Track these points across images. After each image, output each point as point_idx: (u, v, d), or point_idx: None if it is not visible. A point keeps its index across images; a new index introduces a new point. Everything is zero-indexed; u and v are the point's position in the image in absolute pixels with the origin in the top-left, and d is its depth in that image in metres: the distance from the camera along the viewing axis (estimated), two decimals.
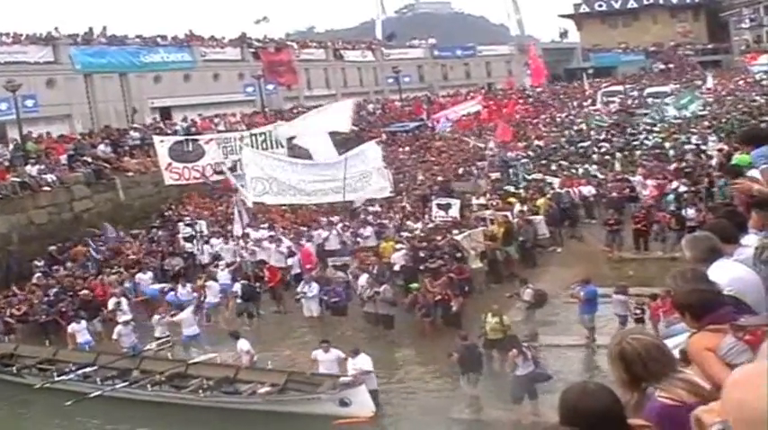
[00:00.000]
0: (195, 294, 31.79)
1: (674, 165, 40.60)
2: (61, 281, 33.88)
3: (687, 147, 45.55)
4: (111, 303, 30.69)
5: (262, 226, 38.20)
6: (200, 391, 23.43)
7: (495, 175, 44.99)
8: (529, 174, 43.87)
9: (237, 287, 32.19)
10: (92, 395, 24.33)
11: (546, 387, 20.50)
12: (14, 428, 24.83)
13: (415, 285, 28.64)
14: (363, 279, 29.71)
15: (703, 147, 44.50)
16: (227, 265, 34.15)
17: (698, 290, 5.73)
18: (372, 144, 38.86)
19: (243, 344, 24.82)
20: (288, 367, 24.23)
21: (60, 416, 24.36)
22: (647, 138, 51.47)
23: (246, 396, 23.00)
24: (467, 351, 22.21)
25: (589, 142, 52.85)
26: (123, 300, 30.66)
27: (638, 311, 24.15)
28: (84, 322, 29.20)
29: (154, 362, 26.03)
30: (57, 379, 26.01)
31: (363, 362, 22.13)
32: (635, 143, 50.74)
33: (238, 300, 31.82)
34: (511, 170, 45.40)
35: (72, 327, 29.01)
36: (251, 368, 24.19)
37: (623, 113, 63.94)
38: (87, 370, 26.08)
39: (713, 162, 38.62)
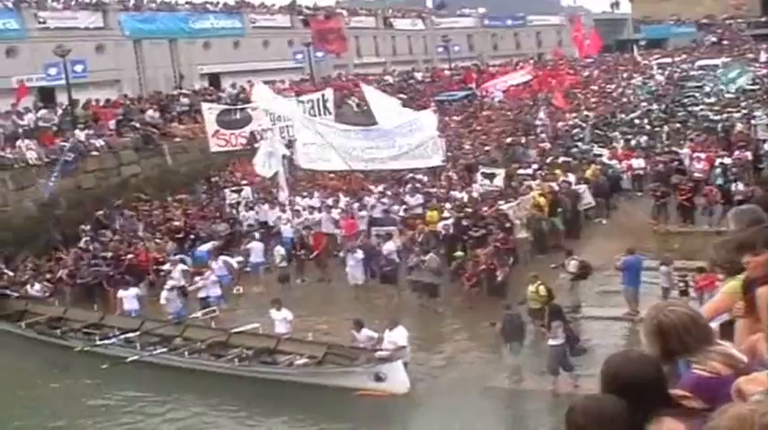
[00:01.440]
0: (233, 264, 32.14)
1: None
2: (107, 245, 34.11)
3: (737, 121, 45.21)
4: (167, 267, 30.99)
5: (313, 193, 38.15)
6: (236, 360, 23.57)
7: (544, 145, 44.88)
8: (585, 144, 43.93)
9: (281, 250, 32.39)
10: (129, 359, 24.49)
11: (585, 360, 20.49)
12: (54, 390, 24.97)
13: (459, 254, 28.62)
14: (390, 245, 29.80)
15: (752, 122, 44.12)
16: (288, 221, 34.48)
17: None
18: (429, 113, 38.74)
19: (284, 313, 24.76)
20: (328, 339, 24.21)
21: (100, 378, 24.59)
22: (702, 110, 51.02)
23: (283, 367, 23.07)
24: (509, 320, 22.19)
25: (639, 112, 52.58)
26: (180, 267, 30.61)
27: (681, 284, 24.01)
28: (132, 289, 29.25)
29: (197, 331, 26.20)
30: (98, 343, 26.28)
31: (399, 336, 22.04)
32: (683, 115, 50.43)
33: (283, 264, 32.04)
34: (562, 141, 45.50)
35: (120, 293, 29.12)
36: (292, 339, 24.19)
37: (672, 86, 63.41)
38: (129, 335, 26.25)
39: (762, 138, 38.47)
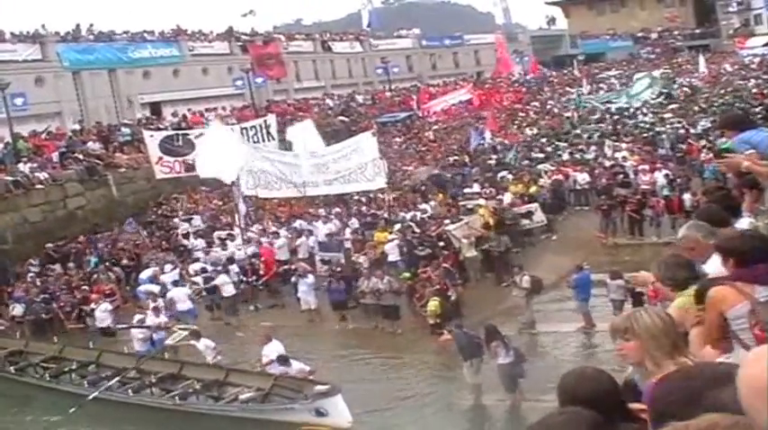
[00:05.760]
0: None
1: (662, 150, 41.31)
2: (58, 278, 33.95)
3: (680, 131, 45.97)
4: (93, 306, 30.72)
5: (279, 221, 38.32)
6: (177, 398, 23.26)
7: (488, 163, 45.13)
8: (522, 161, 44.15)
9: (200, 280, 32.44)
10: (89, 397, 24.06)
11: (544, 374, 20.69)
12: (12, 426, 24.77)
13: (406, 274, 28.71)
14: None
15: (693, 131, 44.91)
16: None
17: (750, 237, 5.93)
18: (368, 135, 38.79)
19: (205, 342, 24.71)
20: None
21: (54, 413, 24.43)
22: (640, 123, 51.64)
23: (225, 403, 22.68)
24: (464, 338, 22.31)
25: (580, 128, 53.16)
26: (103, 306, 30.28)
27: (630, 299, 24.37)
28: (145, 331, 27.63)
29: (152, 362, 25.63)
30: (49, 379, 26.08)
31: (272, 350, 22.79)
32: (624, 127, 51.10)
33: (203, 293, 32.14)
34: (501, 154, 45.85)
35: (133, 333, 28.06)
36: (241, 370, 23.92)
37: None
38: (83, 369, 26.05)
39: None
